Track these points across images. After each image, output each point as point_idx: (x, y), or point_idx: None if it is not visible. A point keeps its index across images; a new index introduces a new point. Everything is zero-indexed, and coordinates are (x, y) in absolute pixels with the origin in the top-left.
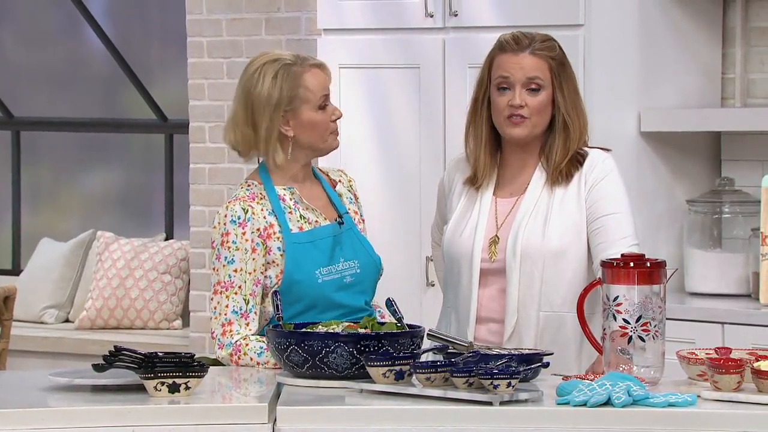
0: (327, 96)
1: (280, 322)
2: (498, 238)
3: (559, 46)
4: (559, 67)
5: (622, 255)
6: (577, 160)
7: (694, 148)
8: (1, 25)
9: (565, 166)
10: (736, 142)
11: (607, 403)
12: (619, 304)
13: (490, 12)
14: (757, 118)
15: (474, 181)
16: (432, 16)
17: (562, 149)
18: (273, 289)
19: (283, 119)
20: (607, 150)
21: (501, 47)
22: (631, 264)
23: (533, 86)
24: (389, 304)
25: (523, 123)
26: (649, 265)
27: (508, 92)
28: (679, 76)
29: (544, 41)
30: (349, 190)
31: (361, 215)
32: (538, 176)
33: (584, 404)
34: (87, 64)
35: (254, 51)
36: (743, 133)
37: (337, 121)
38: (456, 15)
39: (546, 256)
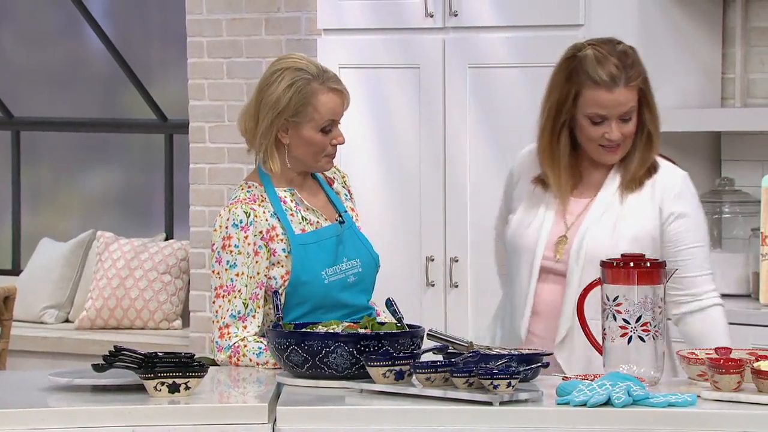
0: (335, 121)
1: (280, 322)
2: (566, 238)
3: (640, 60)
4: (645, 83)
5: (622, 255)
6: (648, 169)
7: (694, 148)
8: (1, 25)
9: (642, 176)
10: (736, 142)
11: (607, 403)
12: (619, 304)
13: (490, 12)
14: (757, 118)
15: (546, 187)
16: (432, 16)
17: (641, 160)
18: (273, 290)
19: (282, 127)
20: (675, 163)
21: (594, 82)
22: (631, 264)
23: (627, 116)
24: (389, 304)
25: (617, 151)
26: (649, 265)
27: (603, 125)
28: (679, 76)
29: (633, 65)
30: (343, 186)
31: (356, 212)
32: (611, 179)
33: (584, 404)
34: (87, 64)
35: (254, 51)
36: (743, 133)
37: (337, 146)
38: (456, 15)
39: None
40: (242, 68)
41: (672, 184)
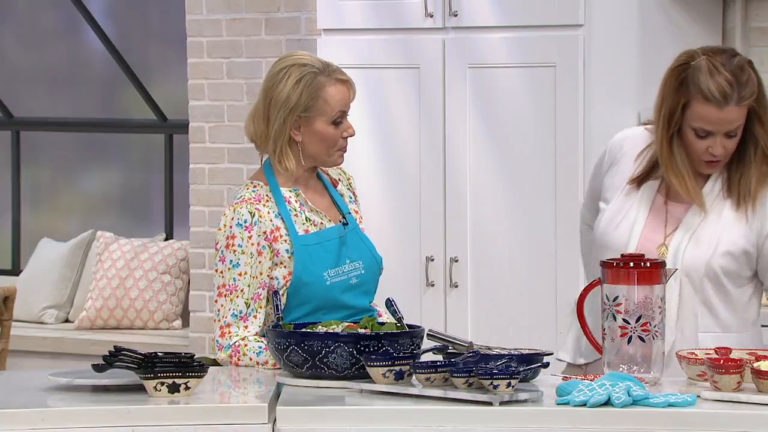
0: (344, 113)
1: (280, 323)
2: (666, 248)
3: (751, 67)
4: (758, 103)
5: (622, 255)
6: None
7: None
8: (1, 25)
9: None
10: None
11: (607, 403)
12: (619, 304)
13: (490, 12)
14: None
15: (639, 187)
16: (432, 16)
17: (759, 181)
18: (274, 290)
19: (294, 124)
20: None
21: (705, 97)
22: (631, 264)
23: (733, 133)
24: (389, 304)
25: (718, 165)
26: (649, 265)
27: (707, 140)
28: None
29: (747, 81)
30: (348, 188)
31: (360, 214)
32: (710, 187)
33: (584, 404)
34: (87, 64)
35: (254, 51)
36: None
37: (348, 138)
38: (456, 15)
39: (705, 277)
40: (242, 68)
41: None
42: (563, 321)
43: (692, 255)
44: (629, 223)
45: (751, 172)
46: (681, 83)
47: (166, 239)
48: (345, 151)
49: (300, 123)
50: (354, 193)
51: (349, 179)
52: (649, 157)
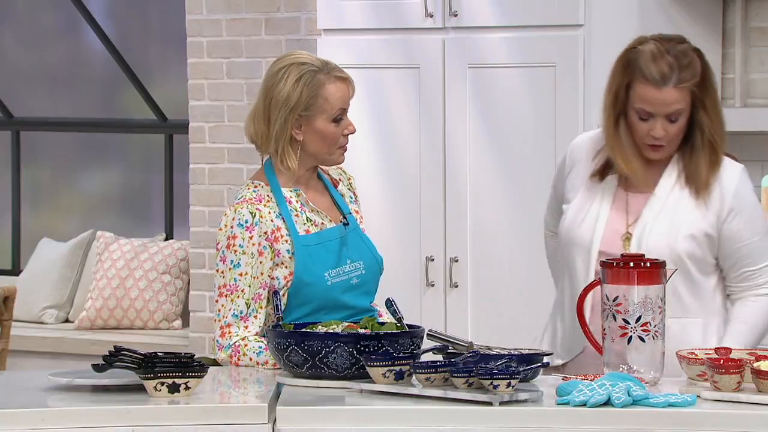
0: (344, 110)
1: (280, 323)
2: (630, 235)
3: (698, 55)
4: (702, 88)
5: (622, 255)
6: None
7: None
8: (1, 25)
9: (710, 181)
10: (736, 142)
11: (607, 403)
12: (619, 304)
13: (490, 12)
14: (757, 118)
15: (602, 179)
16: (432, 16)
17: (708, 168)
18: (274, 291)
19: (295, 123)
20: (735, 158)
21: (642, 76)
22: (631, 264)
23: (674, 117)
24: (389, 304)
25: (662, 149)
26: (649, 265)
27: (649, 122)
28: None
29: (688, 65)
30: (349, 189)
31: (360, 214)
32: (668, 174)
33: (584, 404)
34: (87, 64)
35: (254, 51)
36: (743, 133)
37: (349, 136)
38: (456, 15)
39: (669, 262)
40: (242, 68)
41: (730, 180)
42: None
43: (656, 240)
44: (593, 218)
45: (700, 161)
46: (626, 65)
47: (166, 239)
48: (346, 149)
49: (301, 122)
50: (354, 194)
51: (349, 179)
52: (606, 153)
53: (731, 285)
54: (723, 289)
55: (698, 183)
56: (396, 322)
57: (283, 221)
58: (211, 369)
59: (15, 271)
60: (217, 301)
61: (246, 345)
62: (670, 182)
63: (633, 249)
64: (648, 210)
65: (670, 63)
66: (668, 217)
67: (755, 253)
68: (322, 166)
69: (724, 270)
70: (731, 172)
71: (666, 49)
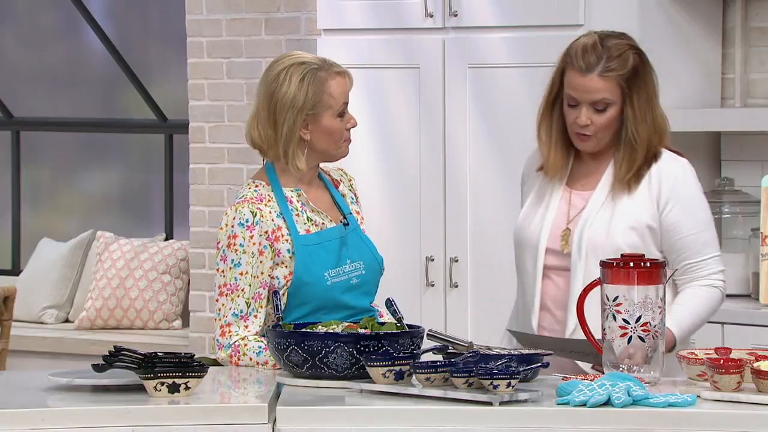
0: (346, 104)
1: (280, 323)
2: (570, 231)
3: (635, 52)
4: (631, 80)
5: (622, 255)
6: (647, 160)
7: (694, 148)
8: (1, 25)
9: (634, 176)
10: (736, 142)
11: (607, 403)
12: (619, 304)
13: (490, 12)
14: (757, 118)
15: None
16: (432, 16)
17: (627, 163)
18: (274, 290)
19: (303, 123)
20: (680, 154)
21: (571, 62)
22: (631, 264)
23: (600, 106)
24: (389, 304)
25: (589, 140)
26: (649, 265)
27: (576, 109)
28: (679, 76)
29: (618, 56)
30: (350, 190)
31: (361, 215)
32: (610, 172)
33: (584, 404)
34: (87, 64)
35: (254, 51)
36: (743, 133)
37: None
38: (456, 15)
39: (609, 254)
40: (242, 68)
41: (669, 174)
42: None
43: (596, 232)
44: (540, 217)
45: (621, 156)
46: (564, 54)
47: (166, 239)
48: (350, 142)
49: (308, 121)
50: (355, 194)
51: (350, 180)
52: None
53: (676, 278)
54: (672, 282)
55: (620, 178)
56: (396, 322)
57: (284, 221)
58: (211, 369)
59: (15, 271)
60: (217, 301)
61: (246, 345)
62: (611, 179)
63: (573, 244)
64: (589, 206)
65: (599, 53)
66: (609, 212)
67: (695, 246)
68: (323, 167)
69: (669, 263)
70: (671, 165)
71: (601, 41)
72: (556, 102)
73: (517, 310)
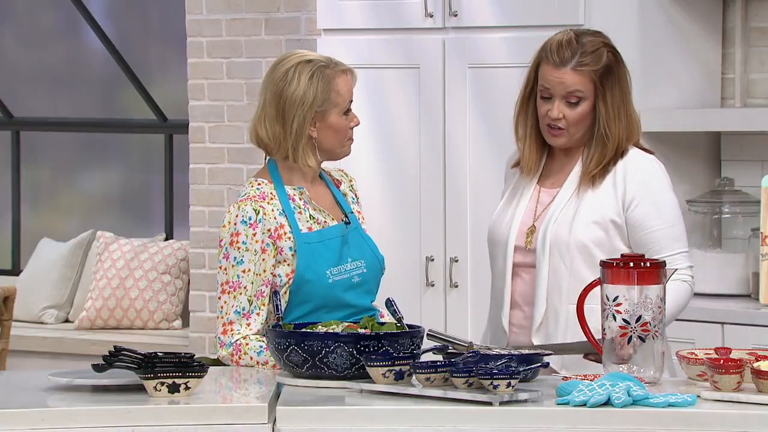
0: (351, 102)
1: (280, 323)
2: (535, 228)
3: (610, 50)
4: (604, 77)
5: (622, 255)
6: (614, 157)
7: (694, 148)
8: (1, 25)
9: (599, 171)
10: (736, 142)
11: (607, 403)
12: (619, 304)
13: (490, 12)
14: (757, 118)
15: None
16: (432, 16)
17: (597, 158)
18: (275, 289)
19: (311, 121)
20: (650, 152)
21: (546, 56)
22: (631, 264)
23: (573, 99)
24: (389, 304)
25: (561, 134)
26: (649, 265)
27: (549, 102)
28: (679, 76)
29: (592, 51)
30: (351, 190)
31: (362, 215)
32: (578, 169)
33: (584, 404)
34: (87, 64)
35: (254, 51)
36: (743, 133)
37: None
38: (456, 15)
39: (573, 249)
40: (242, 68)
41: (634, 170)
42: None
43: (559, 226)
44: (510, 216)
45: (592, 151)
46: (541, 49)
47: (166, 239)
48: (353, 141)
49: (316, 119)
50: (356, 195)
51: (351, 181)
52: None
53: None
54: None
55: (588, 176)
56: (396, 322)
57: (286, 218)
58: (212, 369)
59: (15, 271)
60: (219, 298)
61: (247, 344)
62: (578, 176)
63: (537, 241)
64: (555, 202)
65: (574, 48)
66: (573, 208)
67: (661, 242)
68: (324, 167)
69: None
70: (638, 161)
71: (576, 37)
72: (531, 97)
73: (491, 307)
